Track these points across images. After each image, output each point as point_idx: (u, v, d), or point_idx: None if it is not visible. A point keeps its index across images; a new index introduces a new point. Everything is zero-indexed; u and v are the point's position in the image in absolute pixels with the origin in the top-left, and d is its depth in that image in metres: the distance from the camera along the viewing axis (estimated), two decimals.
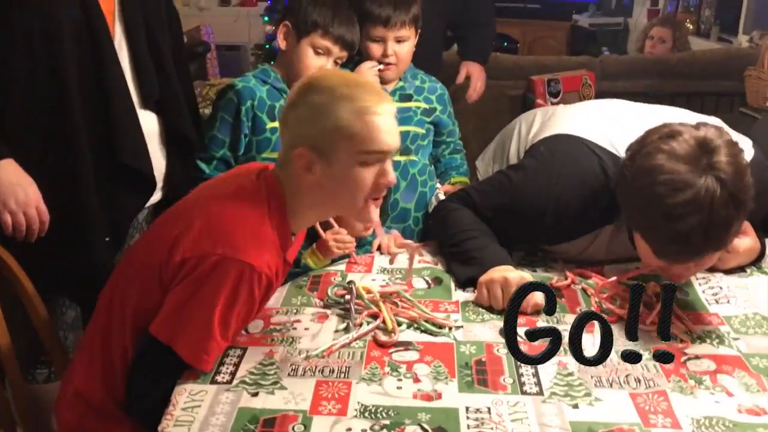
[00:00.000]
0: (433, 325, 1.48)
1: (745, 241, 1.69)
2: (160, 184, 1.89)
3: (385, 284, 1.66)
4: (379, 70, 2.12)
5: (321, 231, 1.82)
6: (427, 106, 2.23)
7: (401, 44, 2.14)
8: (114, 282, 1.44)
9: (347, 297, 1.54)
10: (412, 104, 2.21)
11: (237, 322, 1.34)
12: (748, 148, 1.57)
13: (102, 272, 1.72)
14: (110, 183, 1.77)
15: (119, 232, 1.85)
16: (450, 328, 1.47)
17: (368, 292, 1.57)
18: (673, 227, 1.36)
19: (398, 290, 1.59)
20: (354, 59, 2.15)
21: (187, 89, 2.03)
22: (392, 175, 1.38)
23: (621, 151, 1.58)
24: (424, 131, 2.21)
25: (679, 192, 1.34)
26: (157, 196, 1.90)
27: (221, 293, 1.28)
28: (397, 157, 2.15)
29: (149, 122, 1.84)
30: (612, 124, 1.73)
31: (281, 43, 2.04)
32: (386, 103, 1.36)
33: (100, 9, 1.70)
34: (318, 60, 1.98)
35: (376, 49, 2.13)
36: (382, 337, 1.43)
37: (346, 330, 1.46)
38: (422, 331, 1.47)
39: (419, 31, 2.19)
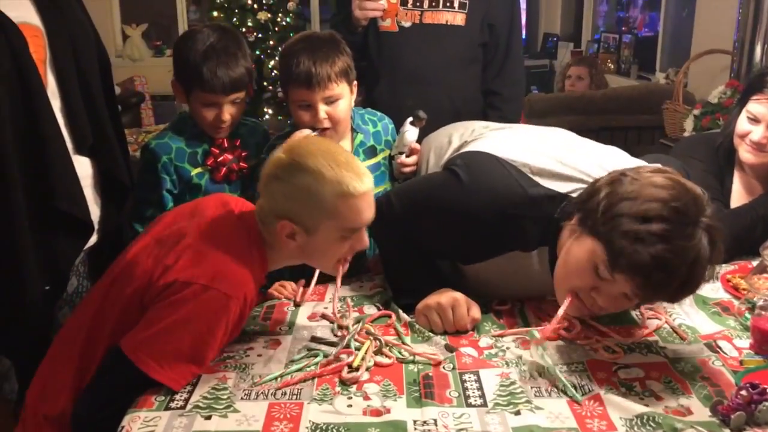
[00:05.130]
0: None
1: None
2: (95, 227, 1.87)
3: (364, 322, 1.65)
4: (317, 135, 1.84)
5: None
6: (389, 151, 2.04)
7: (334, 104, 1.82)
8: (93, 301, 1.49)
9: (343, 333, 1.60)
10: (379, 158, 2.00)
11: (214, 351, 1.42)
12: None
13: (38, 322, 1.71)
14: (46, 230, 1.74)
15: (59, 280, 1.82)
16: (439, 363, 1.49)
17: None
18: (660, 249, 1.30)
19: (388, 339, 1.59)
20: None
21: (119, 134, 2.01)
22: (366, 241, 1.51)
23: (538, 177, 1.59)
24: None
25: (684, 226, 1.32)
26: (92, 240, 1.88)
27: (199, 320, 1.37)
28: None
29: (83, 167, 1.84)
30: (537, 147, 1.68)
31: (176, 97, 1.98)
32: (367, 184, 1.46)
33: (31, 58, 1.67)
34: (211, 111, 1.92)
35: (304, 116, 1.82)
36: (346, 375, 1.43)
37: (309, 352, 1.52)
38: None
39: (355, 82, 1.89)
